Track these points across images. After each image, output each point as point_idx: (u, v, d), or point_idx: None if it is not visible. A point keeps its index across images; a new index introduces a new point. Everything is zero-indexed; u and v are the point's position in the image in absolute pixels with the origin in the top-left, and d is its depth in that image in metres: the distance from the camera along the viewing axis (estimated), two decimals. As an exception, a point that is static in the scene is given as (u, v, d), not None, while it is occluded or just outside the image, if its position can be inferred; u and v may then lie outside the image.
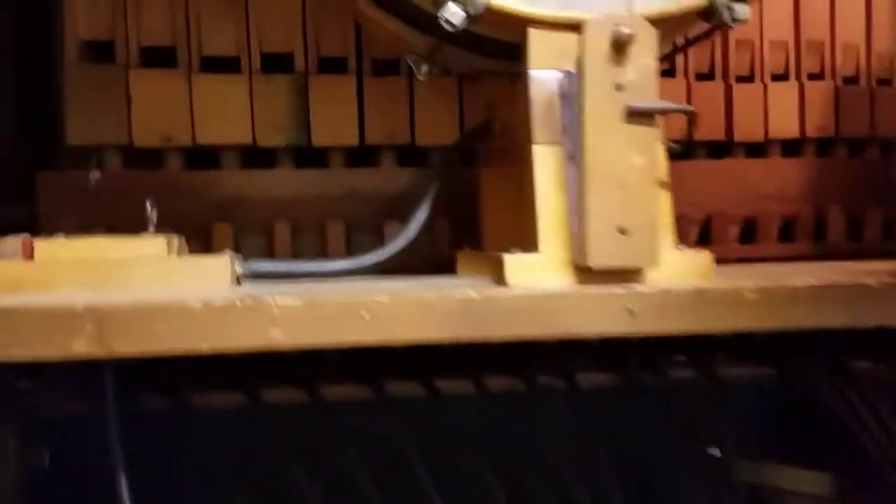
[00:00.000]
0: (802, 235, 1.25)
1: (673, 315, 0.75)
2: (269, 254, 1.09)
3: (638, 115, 0.75)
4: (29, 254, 0.78)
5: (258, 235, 1.10)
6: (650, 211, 0.77)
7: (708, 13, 0.84)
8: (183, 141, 1.08)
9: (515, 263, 0.78)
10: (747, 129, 1.24)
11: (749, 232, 1.24)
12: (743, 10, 0.82)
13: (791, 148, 1.27)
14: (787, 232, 1.25)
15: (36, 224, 0.99)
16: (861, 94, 1.26)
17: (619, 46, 0.75)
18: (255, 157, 1.13)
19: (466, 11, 0.80)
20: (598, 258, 0.77)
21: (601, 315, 0.74)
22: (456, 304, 0.72)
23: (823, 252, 1.23)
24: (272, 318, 0.68)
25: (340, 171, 1.14)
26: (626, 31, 0.74)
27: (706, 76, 1.25)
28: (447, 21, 0.80)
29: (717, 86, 1.24)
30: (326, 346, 0.72)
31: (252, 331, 0.68)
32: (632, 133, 0.75)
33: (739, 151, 1.26)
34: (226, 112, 1.09)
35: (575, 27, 0.79)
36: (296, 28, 1.11)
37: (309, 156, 1.14)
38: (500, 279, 0.79)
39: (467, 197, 1.04)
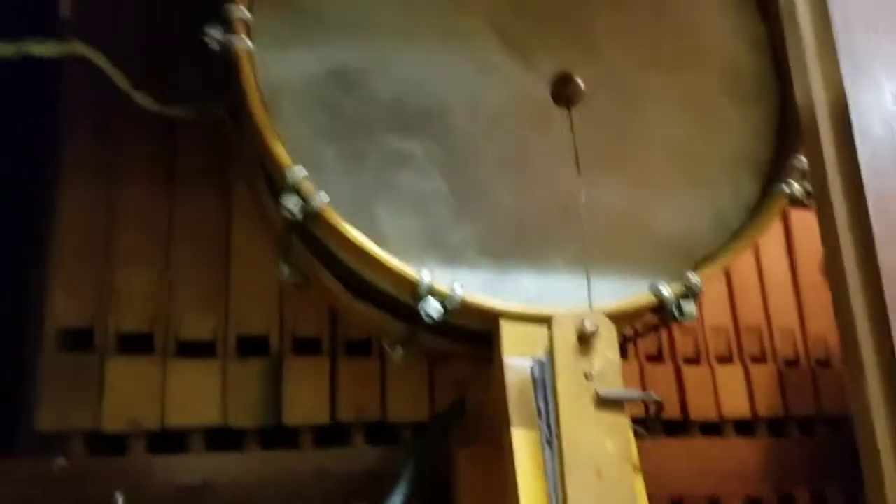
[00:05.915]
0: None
1: None
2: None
3: (608, 403, 0.79)
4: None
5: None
6: (627, 497, 0.78)
7: (658, 309, 0.92)
8: (151, 425, 1.08)
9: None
10: (700, 408, 1.29)
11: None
12: (690, 308, 0.91)
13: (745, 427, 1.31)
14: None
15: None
16: (803, 375, 1.34)
17: (585, 339, 0.82)
18: (222, 439, 1.12)
19: (444, 306, 0.86)
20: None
21: None
22: None
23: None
24: None
25: (309, 452, 1.13)
26: (589, 326, 0.81)
27: (656, 358, 1.32)
28: (426, 314, 0.86)
29: (667, 367, 1.31)
30: None
31: None
32: (604, 420, 0.79)
33: (695, 430, 1.29)
34: (197, 395, 1.10)
35: (542, 320, 0.86)
36: (273, 311, 1.16)
37: (278, 436, 1.13)
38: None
39: (441, 477, 1.04)
